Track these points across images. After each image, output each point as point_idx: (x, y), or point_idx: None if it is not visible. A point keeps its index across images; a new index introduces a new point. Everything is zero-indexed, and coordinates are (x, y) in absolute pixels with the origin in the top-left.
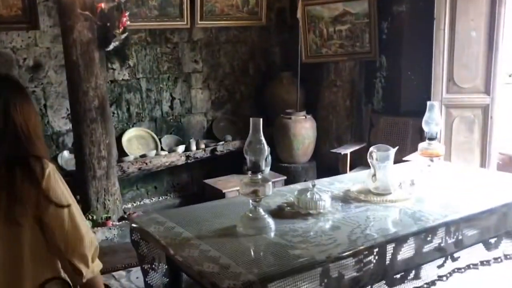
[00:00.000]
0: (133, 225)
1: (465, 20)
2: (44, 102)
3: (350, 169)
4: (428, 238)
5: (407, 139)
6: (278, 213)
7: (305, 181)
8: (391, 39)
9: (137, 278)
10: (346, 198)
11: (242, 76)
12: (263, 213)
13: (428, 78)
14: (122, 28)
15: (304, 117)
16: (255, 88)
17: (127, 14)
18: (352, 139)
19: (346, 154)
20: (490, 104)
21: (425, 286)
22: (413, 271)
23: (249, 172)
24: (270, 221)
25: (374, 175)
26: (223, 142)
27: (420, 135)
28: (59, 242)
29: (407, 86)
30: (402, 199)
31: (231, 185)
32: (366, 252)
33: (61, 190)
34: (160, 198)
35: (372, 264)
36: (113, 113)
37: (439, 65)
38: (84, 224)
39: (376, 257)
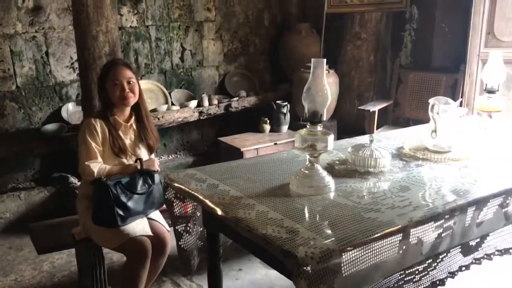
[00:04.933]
0: (169, 181)
1: None
2: (46, 49)
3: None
4: (508, 201)
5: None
6: (330, 171)
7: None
8: None
9: None
10: (401, 156)
11: (256, 27)
12: (321, 170)
13: (464, 31)
14: None
15: (327, 71)
16: (270, 40)
17: None
18: (374, 96)
19: (375, 112)
20: None
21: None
22: (487, 238)
23: (308, 123)
24: (330, 180)
25: (435, 130)
26: (237, 98)
27: (453, 93)
28: None
29: (440, 39)
30: (465, 158)
31: (250, 143)
32: (447, 216)
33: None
34: (170, 156)
35: (451, 230)
36: None
37: (478, 15)
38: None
39: (456, 221)
